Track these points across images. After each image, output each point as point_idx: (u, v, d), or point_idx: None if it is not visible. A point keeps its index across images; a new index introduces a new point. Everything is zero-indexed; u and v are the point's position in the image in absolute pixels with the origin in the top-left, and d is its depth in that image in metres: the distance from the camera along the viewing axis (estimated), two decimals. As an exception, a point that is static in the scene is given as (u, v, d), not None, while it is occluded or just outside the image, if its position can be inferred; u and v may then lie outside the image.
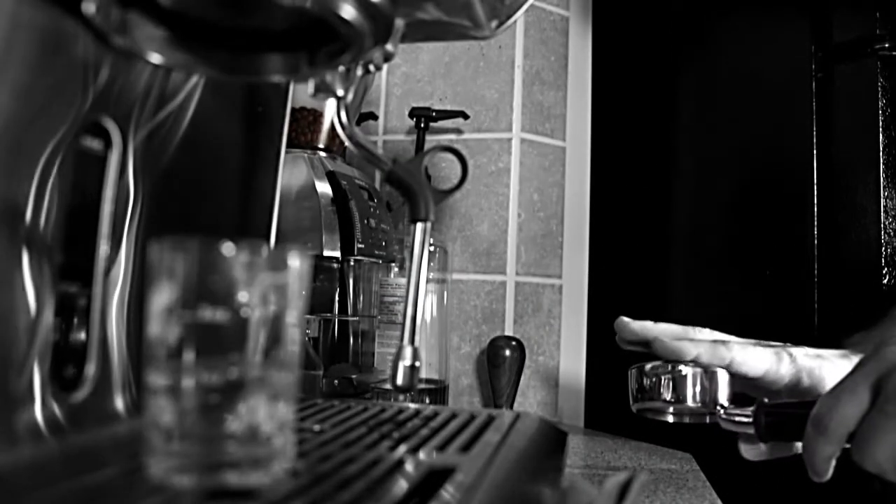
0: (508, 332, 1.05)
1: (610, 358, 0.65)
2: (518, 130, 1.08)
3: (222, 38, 0.39)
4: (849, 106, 0.82)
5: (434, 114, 1.03)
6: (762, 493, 0.74)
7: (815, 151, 0.83)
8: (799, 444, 0.47)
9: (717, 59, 0.98)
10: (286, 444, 0.31)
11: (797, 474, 0.55)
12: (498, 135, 1.09)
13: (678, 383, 0.54)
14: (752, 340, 0.58)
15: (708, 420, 0.54)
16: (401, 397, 0.75)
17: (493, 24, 0.45)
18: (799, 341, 0.82)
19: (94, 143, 0.39)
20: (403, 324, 0.44)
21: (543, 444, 0.46)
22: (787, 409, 0.50)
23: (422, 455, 0.37)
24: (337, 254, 0.80)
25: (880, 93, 0.81)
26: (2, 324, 0.33)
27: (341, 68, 0.41)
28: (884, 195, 0.83)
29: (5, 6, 0.33)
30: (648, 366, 0.56)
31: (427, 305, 0.90)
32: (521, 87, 1.09)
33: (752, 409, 0.51)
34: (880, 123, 0.81)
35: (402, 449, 0.38)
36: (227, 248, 0.29)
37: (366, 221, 0.83)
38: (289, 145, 0.61)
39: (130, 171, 0.42)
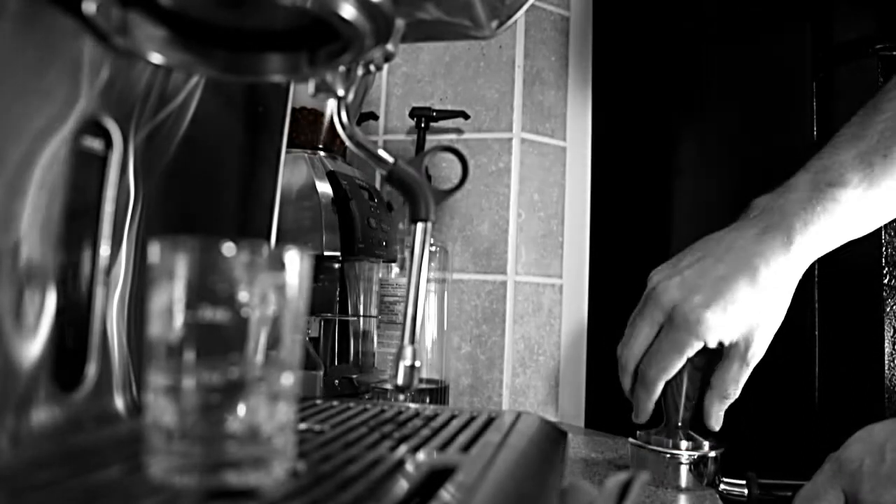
0: (508, 333, 1.05)
1: (610, 358, 0.65)
2: (518, 130, 1.08)
3: (223, 38, 0.39)
4: (849, 106, 0.82)
5: (434, 114, 1.03)
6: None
7: (816, 151, 0.83)
8: None
9: (718, 59, 0.98)
10: (286, 445, 0.31)
11: (797, 476, 0.56)
12: (498, 135, 1.09)
13: (675, 469, 0.61)
14: None
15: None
16: (401, 397, 0.75)
17: (494, 24, 0.45)
18: (799, 341, 0.82)
19: (94, 143, 0.39)
20: (404, 324, 0.44)
21: (543, 444, 0.46)
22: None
23: (422, 455, 0.37)
24: (337, 254, 0.80)
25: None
26: (2, 323, 0.33)
27: (342, 68, 0.41)
28: (884, 195, 0.83)
29: (6, 6, 0.33)
30: (643, 452, 0.63)
31: (427, 305, 0.90)
32: (521, 87, 1.09)
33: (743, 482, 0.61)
34: (880, 123, 0.81)
35: (403, 449, 0.38)
36: (228, 248, 0.29)
37: (366, 221, 0.83)
38: (289, 145, 0.61)
39: (131, 171, 0.42)
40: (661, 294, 0.59)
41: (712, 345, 0.58)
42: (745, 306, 0.58)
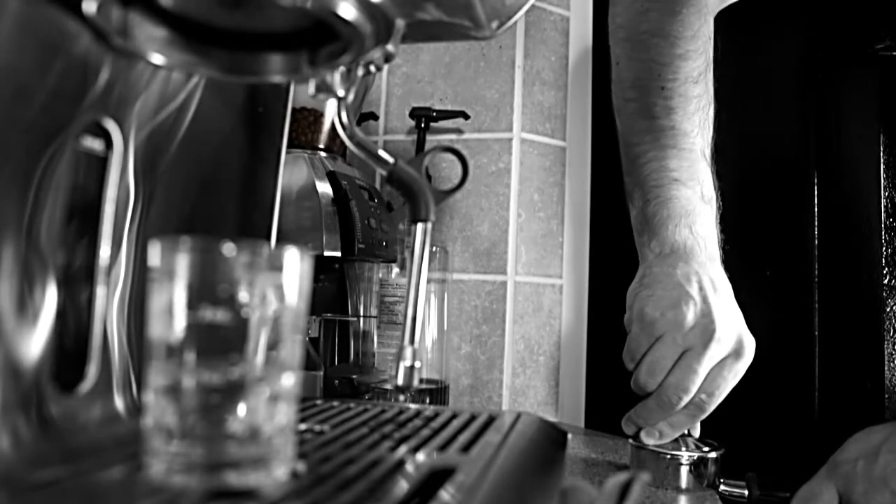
0: (508, 333, 1.05)
1: (610, 358, 0.65)
2: (518, 130, 1.08)
3: (223, 39, 0.39)
4: (849, 106, 0.82)
5: (434, 114, 1.03)
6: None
7: (815, 151, 0.83)
8: None
9: (717, 59, 0.98)
10: (287, 445, 0.31)
11: (797, 476, 0.56)
12: (498, 135, 1.09)
13: (675, 470, 0.61)
14: None
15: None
16: (401, 397, 0.75)
17: (494, 24, 0.45)
18: (799, 341, 0.82)
19: (94, 144, 0.39)
20: (404, 324, 0.44)
21: (543, 444, 0.46)
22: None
23: (422, 456, 0.37)
24: (337, 254, 0.80)
25: (880, 92, 0.81)
26: (3, 324, 0.33)
27: (342, 68, 0.41)
28: (884, 195, 0.83)
29: (7, 6, 0.33)
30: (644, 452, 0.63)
31: (427, 306, 0.90)
32: (521, 87, 1.09)
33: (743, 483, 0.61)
34: (880, 123, 0.81)
35: (403, 449, 0.38)
36: (228, 248, 0.29)
37: (366, 221, 0.83)
38: (289, 145, 0.61)
39: (131, 171, 0.42)
40: (719, 328, 0.60)
41: None
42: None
